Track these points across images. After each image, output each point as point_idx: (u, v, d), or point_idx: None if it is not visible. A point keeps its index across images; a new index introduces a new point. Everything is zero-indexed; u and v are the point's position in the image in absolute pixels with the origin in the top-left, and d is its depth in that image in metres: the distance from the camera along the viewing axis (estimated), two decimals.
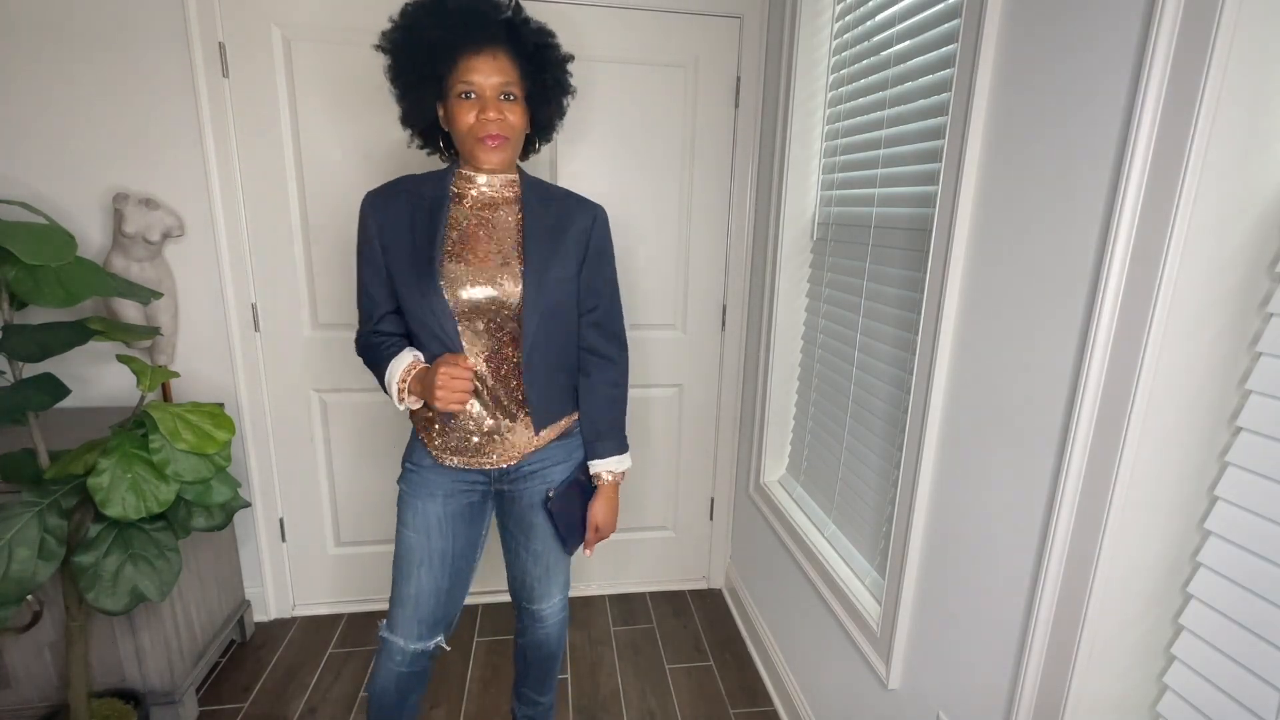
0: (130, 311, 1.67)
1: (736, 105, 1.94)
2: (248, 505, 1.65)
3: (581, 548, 1.30)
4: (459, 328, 1.12)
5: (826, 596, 1.50)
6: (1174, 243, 0.70)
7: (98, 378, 1.81)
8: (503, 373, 1.15)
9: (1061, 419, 0.85)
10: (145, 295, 1.29)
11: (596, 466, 1.25)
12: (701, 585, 2.34)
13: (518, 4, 1.08)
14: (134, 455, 1.21)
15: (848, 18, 1.52)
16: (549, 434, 1.22)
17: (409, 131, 1.18)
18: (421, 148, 1.21)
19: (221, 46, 1.68)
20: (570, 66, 1.16)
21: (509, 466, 1.21)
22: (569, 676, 1.89)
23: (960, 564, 1.06)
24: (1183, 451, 0.77)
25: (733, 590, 2.23)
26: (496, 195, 1.15)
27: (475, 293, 1.11)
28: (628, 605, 2.23)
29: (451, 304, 1.10)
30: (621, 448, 1.26)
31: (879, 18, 1.39)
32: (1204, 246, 0.70)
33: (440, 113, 1.12)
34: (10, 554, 1.15)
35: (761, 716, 1.77)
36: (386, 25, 1.13)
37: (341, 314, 1.91)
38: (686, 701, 1.81)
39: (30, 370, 1.69)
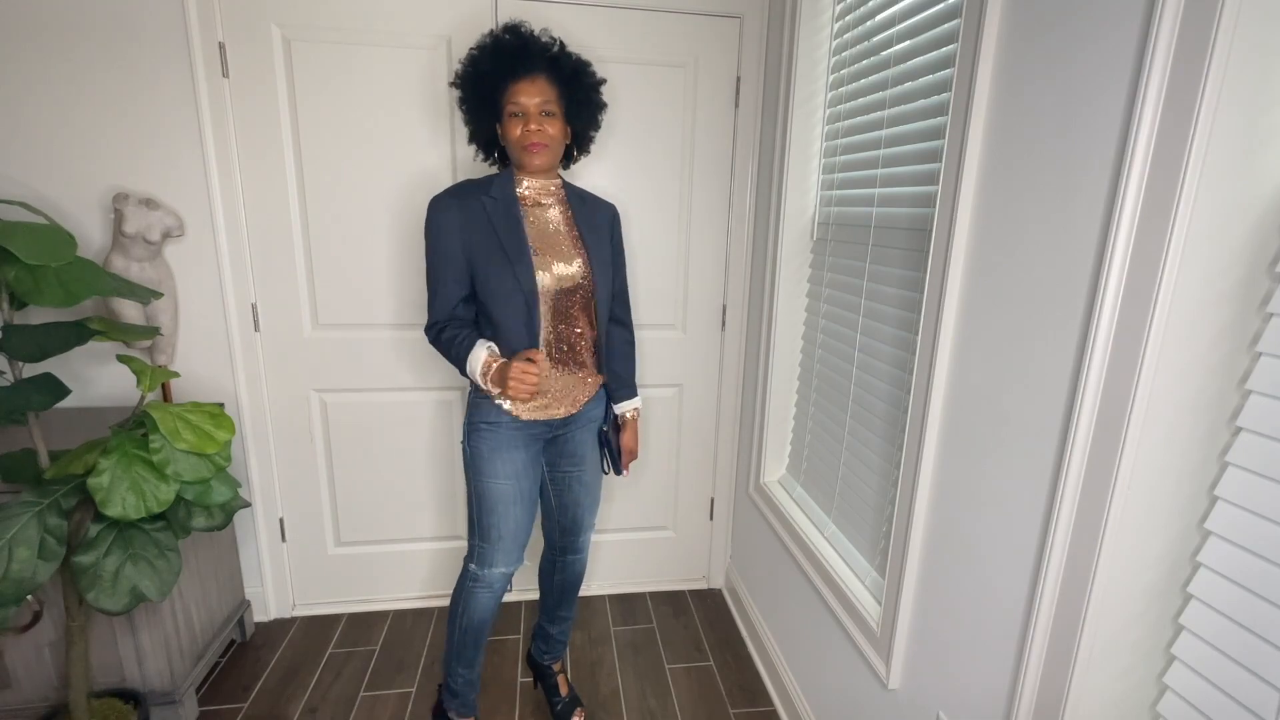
0: (130, 311, 1.67)
1: (736, 105, 1.94)
2: (248, 505, 1.65)
3: (625, 471, 1.62)
4: (549, 305, 1.38)
5: (826, 596, 1.50)
6: (1174, 242, 0.70)
7: (98, 378, 1.81)
8: (571, 339, 1.42)
9: (1061, 419, 0.85)
10: (145, 295, 1.29)
11: (622, 407, 1.59)
12: (701, 585, 2.34)
13: (558, 41, 1.36)
14: (134, 455, 1.21)
15: (848, 18, 1.52)
16: (597, 385, 1.52)
17: (473, 146, 1.48)
18: (485, 160, 1.49)
19: (221, 46, 1.68)
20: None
21: (570, 415, 1.48)
22: (569, 676, 1.89)
23: (960, 564, 1.06)
24: (1183, 451, 0.77)
25: (733, 590, 2.23)
26: (543, 198, 1.42)
27: (559, 274, 1.37)
28: (628, 605, 2.23)
29: (551, 287, 1.37)
30: (635, 392, 1.61)
31: (879, 18, 1.39)
32: (1204, 246, 0.70)
33: (499, 131, 1.39)
34: (10, 554, 1.15)
35: (761, 716, 1.77)
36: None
37: (341, 314, 1.91)
38: (686, 701, 1.81)
39: (30, 370, 1.69)
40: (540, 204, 1.41)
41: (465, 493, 1.73)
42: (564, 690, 1.76)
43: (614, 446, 1.58)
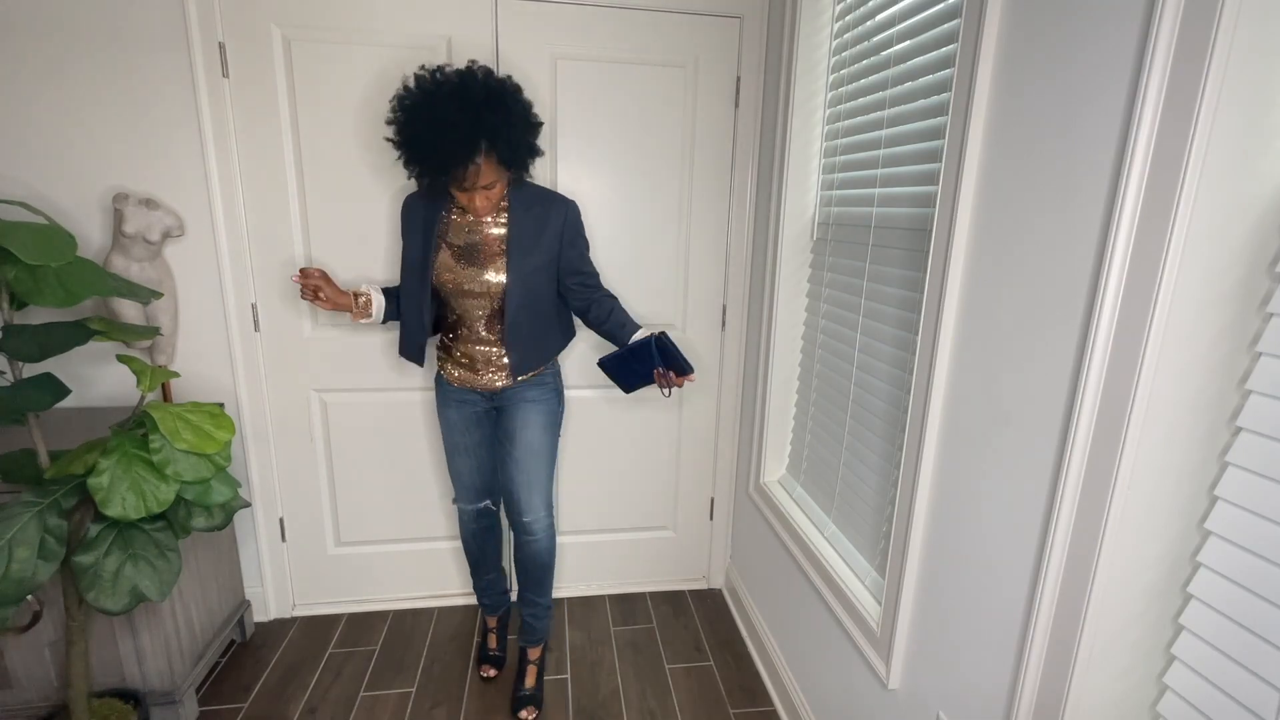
0: (130, 311, 1.67)
1: (736, 105, 1.94)
2: (248, 505, 1.66)
3: (667, 390, 1.59)
4: (458, 300, 1.55)
5: (826, 596, 1.50)
6: (1174, 242, 0.70)
7: (98, 378, 1.81)
8: (475, 333, 1.59)
9: (1061, 419, 0.85)
10: (145, 295, 1.29)
11: (642, 331, 1.63)
12: (701, 585, 2.34)
13: (489, 94, 1.34)
14: (134, 455, 1.21)
15: (848, 18, 1.52)
16: (523, 378, 1.65)
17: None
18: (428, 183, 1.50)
19: (221, 46, 1.68)
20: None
21: (494, 393, 1.66)
22: (569, 677, 1.89)
23: (960, 564, 1.06)
24: (1183, 451, 0.77)
25: (733, 590, 2.23)
26: (481, 223, 1.54)
27: (468, 283, 1.52)
28: (628, 605, 2.23)
29: (448, 288, 1.54)
30: (639, 326, 1.65)
31: (879, 18, 1.39)
32: (1204, 246, 0.70)
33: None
34: (10, 554, 1.15)
35: (761, 716, 1.77)
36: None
37: (341, 314, 1.91)
38: (686, 701, 1.81)
39: (30, 370, 1.69)
40: (472, 224, 1.53)
41: None
42: (529, 682, 1.80)
43: (629, 375, 1.60)
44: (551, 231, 1.55)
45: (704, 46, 1.88)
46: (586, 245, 1.65)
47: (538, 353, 1.64)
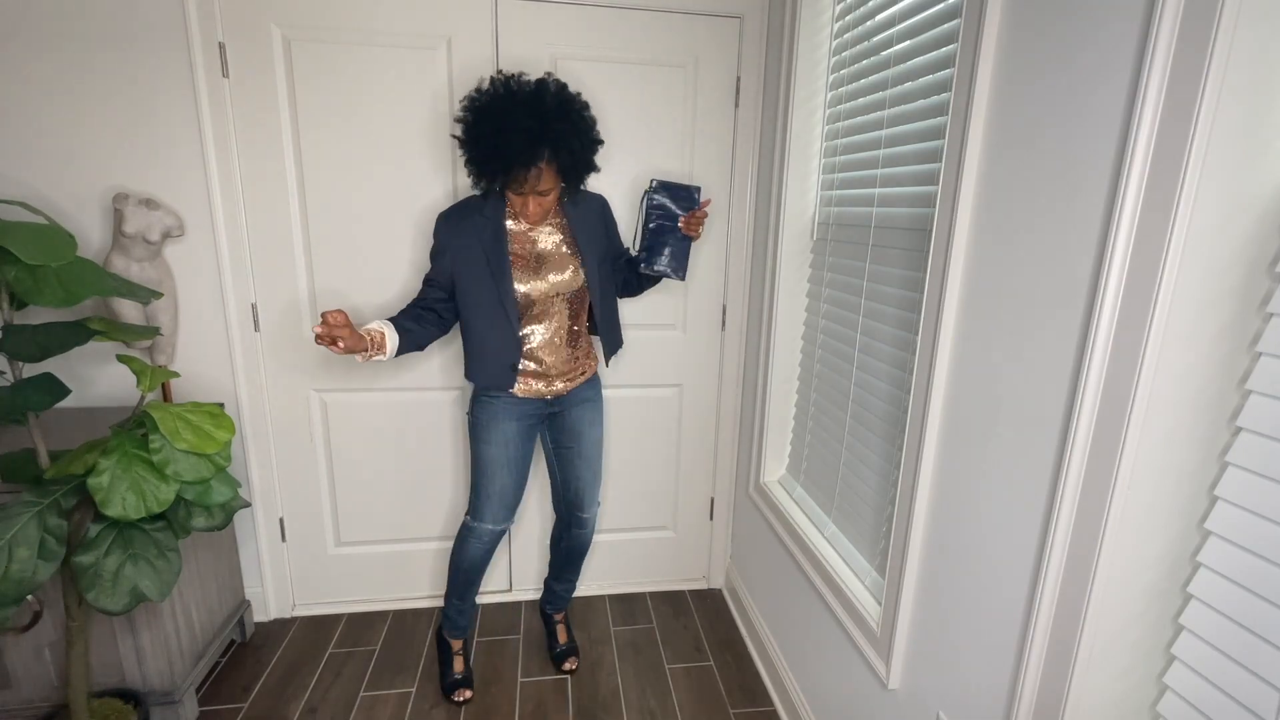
0: (130, 311, 1.67)
1: (736, 105, 1.94)
2: (248, 505, 1.65)
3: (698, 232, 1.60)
4: (534, 310, 1.56)
5: (826, 596, 1.50)
6: (1174, 243, 0.70)
7: (98, 378, 1.81)
8: (564, 332, 1.62)
9: (1061, 419, 0.85)
10: (145, 295, 1.29)
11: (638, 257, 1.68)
12: (701, 585, 2.34)
13: (560, 106, 1.38)
14: (134, 455, 1.21)
15: (848, 18, 1.52)
16: (592, 367, 1.73)
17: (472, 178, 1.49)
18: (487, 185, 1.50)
19: (221, 46, 1.68)
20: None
21: (563, 394, 1.68)
22: (568, 677, 1.89)
23: (960, 564, 1.06)
24: (1183, 451, 0.77)
25: (733, 590, 2.23)
26: (535, 229, 1.57)
27: (554, 281, 1.55)
28: (628, 605, 2.23)
29: (526, 293, 1.54)
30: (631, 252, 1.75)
31: (879, 18, 1.39)
32: (1204, 246, 0.70)
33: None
34: (10, 554, 1.15)
35: (761, 716, 1.77)
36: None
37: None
38: (686, 701, 1.81)
39: (30, 370, 1.69)
40: (532, 230, 1.56)
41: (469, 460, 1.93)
42: (562, 639, 1.97)
43: (665, 244, 1.59)
44: (601, 225, 1.64)
45: (704, 46, 1.88)
46: (617, 231, 1.74)
47: (617, 339, 1.73)
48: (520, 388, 1.63)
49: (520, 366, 1.61)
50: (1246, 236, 0.71)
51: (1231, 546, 0.74)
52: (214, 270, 1.80)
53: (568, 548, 1.89)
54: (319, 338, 1.35)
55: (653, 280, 1.71)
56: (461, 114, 1.41)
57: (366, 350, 1.44)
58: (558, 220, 1.59)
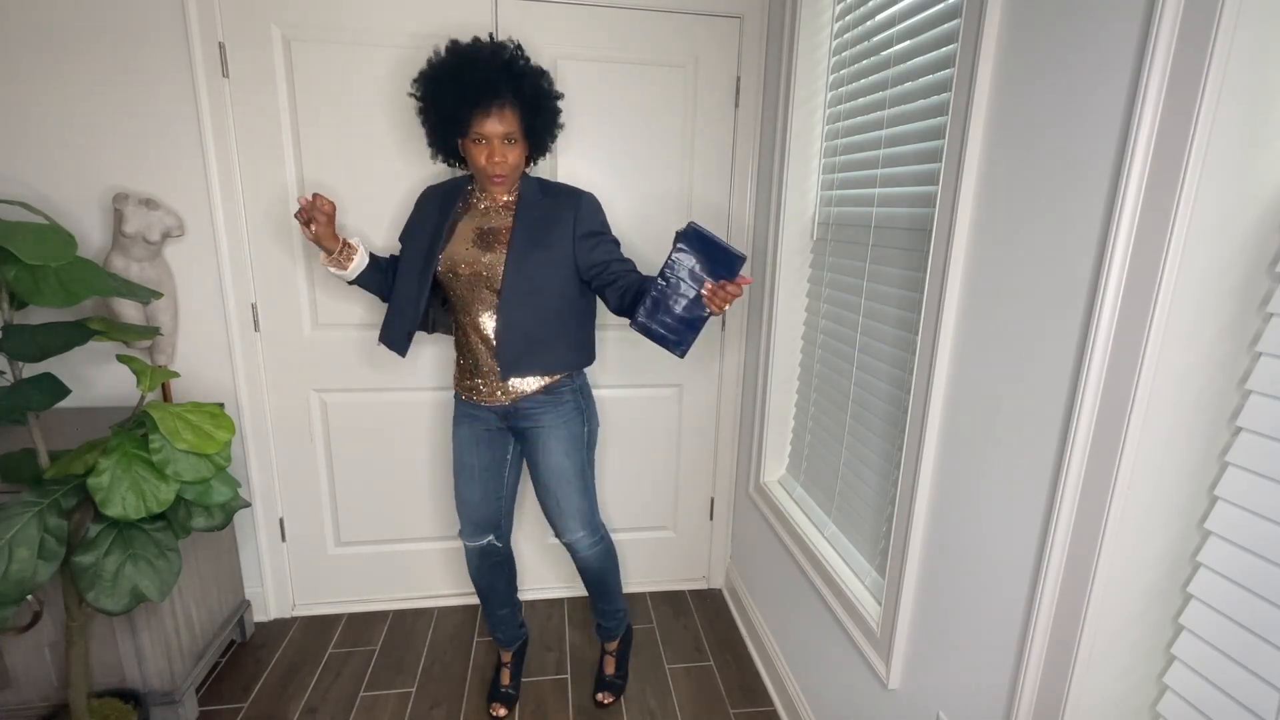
0: (130, 311, 1.67)
1: (736, 105, 1.94)
2: (248, 505, 1.65)
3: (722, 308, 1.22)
4: (457, 288, 1.47)
5: (826, 596, 1.50)
6: (1174, 243, 0.70)
7: (98, 378, 1.81)
8: (466, 330, 1.51)
9: (1061, 419, 0.85)
10: (145, 295, 1.29)
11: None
12: (701, 585, 2.34)
13: (520, 58, 1.37)
14: (134, 455, 1.21)
15: (848, 18, 1.52)
16: (528, 386, 1.53)
17: (433, 149, 1.48)
18: (445, 162, 1.52)
19: (221, 46, 1.68)
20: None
21: (506, 406, 1.54)
22: (569, 676, 1.89)
23: (960, 564, 1.06)
24: (1183, 451, 0.77)
25: (733, 590, 2.23)
26: (495, 206, 1.49)
27: (473, 266, 1.45)
28: (628, 605, 2.22)
29: (452, 262, 1.46)
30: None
31: (879, 18, 1.39)
32: (1204, 246, 0.70)
33: (459, 143, 1.43)
34: (10, 554, 1.15)
35: (761, 716, 1.77)
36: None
37: (341, 314, 1.91)
38: (686, 701, 1.81)
39: (30, 370, 1.69)
40: (489, 210, 1.49)
41: None
42: (609, 669, 1.85)
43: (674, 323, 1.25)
44: (561, 228, 1.46)
45: (704, 46, 1.88)
46: (612, 239, 1.52)
47: (533, 358, 1.49)
48: (460, 386, 1.57)
49: (459, 362, 1.56)
50: (1246, 236, 0.71)
51: (1231, 546, 0.74)
52: (214, 270, 1.80)
53: (580, 571, 1.74)
54: (299, 212, 1.35)
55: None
56: (420, 73, 1.39)
57: (334, 251, 1.43)
58: (515, 202, 1.49)
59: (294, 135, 1.77)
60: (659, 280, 1.22)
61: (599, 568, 1.70)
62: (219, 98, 1.70)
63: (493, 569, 1.69)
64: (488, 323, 1.48)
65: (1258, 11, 0.64)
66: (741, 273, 1.24)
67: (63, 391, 1.23)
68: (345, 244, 1.45)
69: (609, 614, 1.80)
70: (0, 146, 1.64)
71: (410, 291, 1.49)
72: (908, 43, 1.27)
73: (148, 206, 1.64)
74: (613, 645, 1.85)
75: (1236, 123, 0.67)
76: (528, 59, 1.39)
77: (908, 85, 1.28)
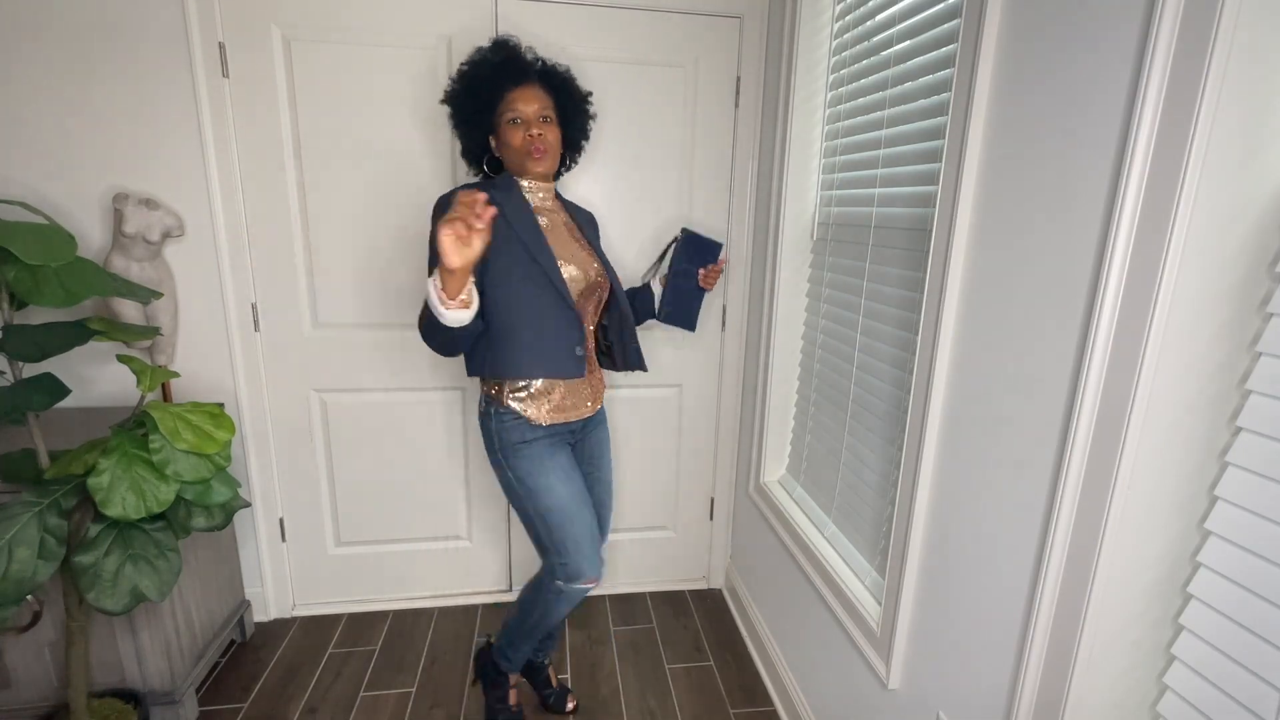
0: (130, 311, 1.67)
1: (736, 105, 1.94)
2: (248, 505, 1.65)
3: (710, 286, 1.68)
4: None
5: (826, 596, 1.50)
6: (1174, 243, 0.70)
7: (98, 378, 1.81)
8: (588, 340, 1.46)
9: (1061, 419, 0.85)
10: (145, 295, 1.29)
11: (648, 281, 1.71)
12: (701, 585, 2.34)
13: (543, 56, 1.42)
14: (134, 455, 1.21)
15: (848, 18, 1.52)
16: (604, 388, 1.56)
17: (466, 160, 1.47)
18: (477, 173, 1.50)
19: (221, 46, 1.68)
20: (571, 65, 1.46)
21: (590, 416, 1.51)
22: (569, 677, 1.89)
23: (960, 564, 1.06)
24: (1183, 451, 0.77)
25: (733, 590, 2.23)
26: (543, 205, 1.44)
27: (573, 275, 1.38)
28: (628, 605, 2.23)
29: (572, 282, 1.38)
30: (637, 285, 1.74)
31: (879, 18, 1.39)
32: (1204, 246, 0.70)
33: (492, 142, 1.42)
34: (10, 554, 1.15)
35: (761, 716, 1.77)
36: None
37: (341, 314, 1.91)
38: (686, 701, 1.81)
39: (30, 370, 1.69)
40: (544, 210, 1.43)
41: (521, 520, 1.49)
42: (554, 682, 1.80)
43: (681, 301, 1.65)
44: (595, 235, 1.55)
45: (704, 46, 1.88)
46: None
47: (640, 354, 1.57)
48: (539, 412, 1.38)
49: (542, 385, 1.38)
50: (1246, 236, 0.71)
51: (1231, 546, 0.74)
52: (214, 270, 1.80)
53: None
54: (459, 221, 1.04)
55: (648, 315, 1.71)
56: (454, 74, 1.39)
57: (462, 286, 1.15)
58: (558, 205, 1.47)
59: (294, 135, 1.77)
60: (670, 279, 1.65)
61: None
62: (219, 98, 1.70)
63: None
64: (591, 327, 1.49)
65: (1258, 11, 0.64)
66: (721, 257, 1.65)
67: (63, 391, 1.23)
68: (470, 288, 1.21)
69: (563, 624, 1.77)
70: (0, 146, 1.64)
71: (557, 308, 1.34)
72: (908, 43, 1.27)
73: (148, 206, 1.64)
74: (547, 659, 1.79)
75: (1236, 123, 0.67)
76: (563, 65, 1.45)
77: (908, 85, 1.28)
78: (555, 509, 1.39)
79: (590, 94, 1.48)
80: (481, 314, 1.27)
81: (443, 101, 1.42)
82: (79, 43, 1.62)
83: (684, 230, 1.62)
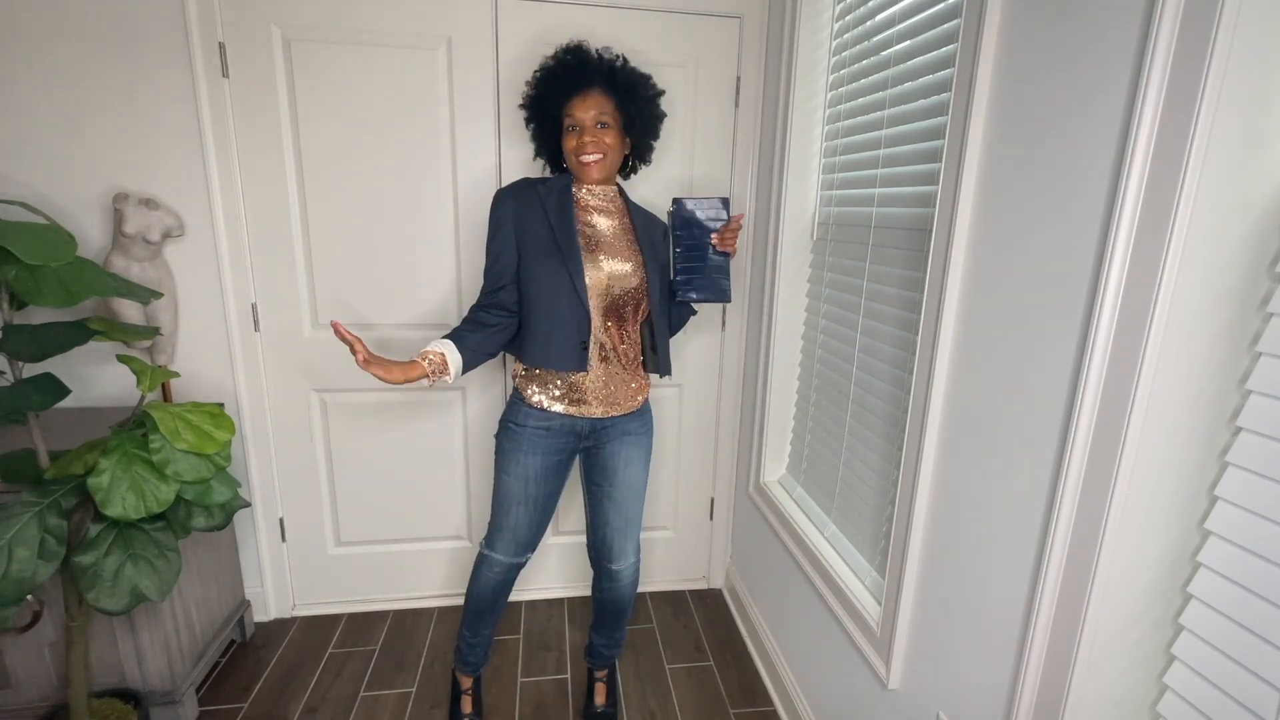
0: (130, 311, 1.67)
1: (736, 105, 1.94)
2: (248, 505, 1.65)
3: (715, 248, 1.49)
4: (596, 301, 1.41)
5: (826, 596, 1.50)
6: (1174, 242, 0.70)
7: (98, 378, 1.81)
8: (616, 341, 1.46)
9: (1061, 419, 0.85)
10: (145, 295, 1.29)
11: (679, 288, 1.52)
12: (701, 585, 2.34)
13: (620, 56, 1.43)
14: (134, 455, 1.21)
15: (848, 18, 1.52)
16: (642, 394, 1.53)
17: (543, 158, 1.55)
18: (551, 171, 1.57)
19: (221, 46, 1.68)
20: None
21: (603, 419, 1.49)
22: (569, 677, 1.89)
23: (960, 564, 1.06)
24: (1183, 451, 0.77)
25: (733, 590, 2.23)
26: (600, 204, 1.47)
27: (611, 271, 1.41)
28: None
29: (593, 284, 1.40)
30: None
31: (879, 18, 1.39)
32: (1204, 246, 0.70)
33: (562, 146, 1.45)
34: (10, 554, 1.15)
35: (761, 716, 1.77)
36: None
37: (341, 314, 1.91)
38: (686, 701, 1.81)
39: (30, 370, 1.69)
40: (596, 209, 1.46)
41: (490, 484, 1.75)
42: (600, 700, 1.74)
43: (694, 263, 1.48)
44: (661, 240, 1.51)
45: (704, 46, 1.88)
46: None
47: (669, 360, 1.54)
48: (548, 406, 1.44)
49: (554, 380, 1.44)
50: (1246, 236, 0.71)
51: (1231, 546, 0.74)
52: (214, 270, 1.80)
53: (599, 600, 1.67)
54: (354, 352, 1.27)
55: (689, 311, 1.64)
56: (528, 80, 1.46)
57: (425, 376, 1.33)
58: (618, 206, 1.48)
59: (294, 135, 1.77)
60: (677, 251, 1.47)
61: (630, 595, 1.66)
62: (219, 98, 1.70)
63: (507, 585, 1.61)
64: (610, 336, 1.44)
65: (1258, 11, 0.64)
66: (731, 212, 1.50)
67: (63, 391, 1.23)
68: (427, 358, 1.34)
69: (616, 642, 1.72)
70: (1, 146, 1.64)
71: (569, 303, 1.39)
72: (908, 43, 1.27)
73: (148, 206, 1.64)
74: (603, 672, 1.75)
75: (1236, 123, 0.67)
76: (626, 60, 1.44)
77: (908, 85, 1.28)
78: (501, 491, 1.51)
79: (662, 93, 1.48)
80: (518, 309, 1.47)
81: (520, 106, 1.50)
82: (79, 43, 1.62)
83: (675, 201, 1.46)
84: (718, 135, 1.95)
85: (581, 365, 1.42)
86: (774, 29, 1.82)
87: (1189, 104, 0.67)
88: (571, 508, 2.18)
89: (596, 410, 1.47)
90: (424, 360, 1.34)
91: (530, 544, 1.57)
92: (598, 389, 1.46)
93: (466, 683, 1.72)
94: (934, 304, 1.09)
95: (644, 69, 1.85)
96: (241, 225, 1.79)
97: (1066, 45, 0.84)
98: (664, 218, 1.53)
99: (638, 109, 1.43)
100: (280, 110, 1.74)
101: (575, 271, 1.38)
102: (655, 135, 1.50)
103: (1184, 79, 0.68)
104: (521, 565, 1.59)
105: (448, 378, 1.36)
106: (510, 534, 1.53)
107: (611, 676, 1.78)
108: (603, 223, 1.45)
